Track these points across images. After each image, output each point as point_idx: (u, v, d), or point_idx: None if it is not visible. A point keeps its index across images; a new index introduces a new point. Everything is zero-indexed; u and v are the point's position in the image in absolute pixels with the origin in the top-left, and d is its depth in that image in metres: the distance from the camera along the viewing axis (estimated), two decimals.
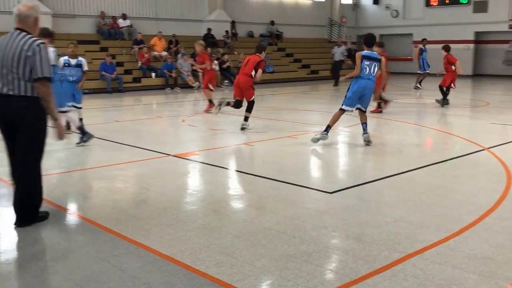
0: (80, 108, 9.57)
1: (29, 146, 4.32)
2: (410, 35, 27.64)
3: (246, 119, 9.47)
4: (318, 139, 7.97)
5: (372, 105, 12.02)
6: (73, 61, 9.26)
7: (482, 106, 13.92)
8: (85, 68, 9.43)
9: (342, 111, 8.06)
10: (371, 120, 9.88)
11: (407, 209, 4.84)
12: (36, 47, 4.23)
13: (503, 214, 4.68)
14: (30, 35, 4.31)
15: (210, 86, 12.16)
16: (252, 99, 9.46)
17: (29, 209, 4.41)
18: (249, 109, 9.50)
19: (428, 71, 18.35)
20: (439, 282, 3.32)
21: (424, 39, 18.87)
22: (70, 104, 9.47)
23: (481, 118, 11.66)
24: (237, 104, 9.61)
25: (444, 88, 13.43)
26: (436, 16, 26.75)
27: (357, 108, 8.05)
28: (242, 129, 9.40)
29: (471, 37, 25.57)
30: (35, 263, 3.72)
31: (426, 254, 3.75)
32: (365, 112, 8.03)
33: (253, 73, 9.29)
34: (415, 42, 27.22)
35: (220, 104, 9.75)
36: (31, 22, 4.40)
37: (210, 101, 12.17)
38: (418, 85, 18.48)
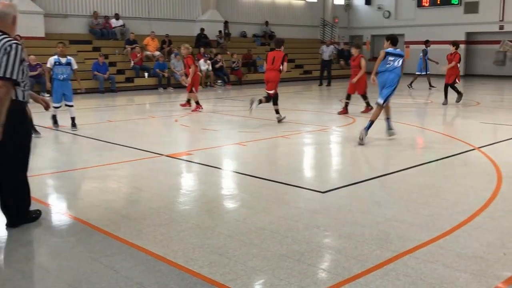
0: (72, 106, 9.61)
1: (11, 148, 4.18)
2: (402, 35, 27.74)
3: (277, 111, 10.39)
4: (392, 132, 8.43)
5: (363, 105, 12.12)
6: (63, 60, 9.51)
7: (473, 105, 14.01)
8: (75, 66, 9.68)
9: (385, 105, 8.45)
10: (362, 119, 9.98)
11: (399, 209, 4.88)
12: (8, 46, 4.05)
13: (493, 213, 4.73)
14: (4, 35, 4.14)
15: (194, 90, 12.63)
16: (273, 91, 10.32)
17: (19, 212, 4.37)
18: (275, 102, 10.41)
19: (429, 72, 18.50)
20: (431, 281, 3.35)
21: (427, 40, 18.95)
22: (60, 104, 9.55)
23: (472, 117, 11.73)
24: (269, 98, 10.51)
25: (449, 85, 13.80)
26: (428, 16, 26.89)
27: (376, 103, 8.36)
28: (279, 121, 10.33)
29: (462, 37, 25.70)
30: (27, 263, 3.71)
31: (417, 253, 3.78)
32: (379, 106, 8.23)
33: (281, 67, 10.31)
34: (407, 43, 27.39)
35: (252, 103, 10.35)
36: (9, 21, 4.23)
37: (197, 103, 12.61)
38: (411, 85, 18.58)
